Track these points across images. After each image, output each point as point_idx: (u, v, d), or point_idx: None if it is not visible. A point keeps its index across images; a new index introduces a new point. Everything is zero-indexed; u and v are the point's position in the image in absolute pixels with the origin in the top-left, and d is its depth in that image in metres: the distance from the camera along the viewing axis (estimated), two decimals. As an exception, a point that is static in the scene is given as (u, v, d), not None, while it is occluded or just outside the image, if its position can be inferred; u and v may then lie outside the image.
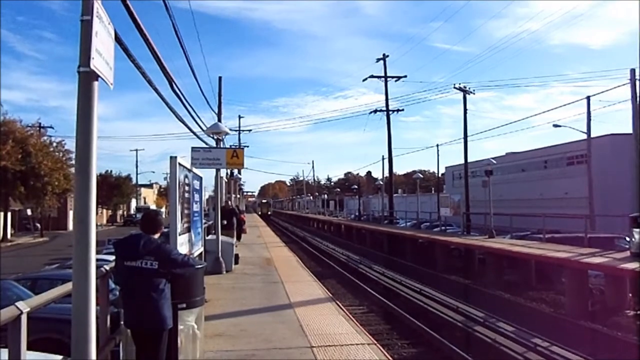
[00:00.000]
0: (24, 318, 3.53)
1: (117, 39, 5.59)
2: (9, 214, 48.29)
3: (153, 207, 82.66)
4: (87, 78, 3.37)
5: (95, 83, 3.42)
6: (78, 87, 3.38)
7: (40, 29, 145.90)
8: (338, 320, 8.91)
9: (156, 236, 5.39)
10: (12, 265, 22.24)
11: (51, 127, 61.38)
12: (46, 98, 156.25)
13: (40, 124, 52.58)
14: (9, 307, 3.52)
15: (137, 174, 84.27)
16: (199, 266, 6.18)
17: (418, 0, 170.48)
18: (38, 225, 53.09)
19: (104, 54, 3.44)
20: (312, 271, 17.53)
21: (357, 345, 7.26)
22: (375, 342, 7.65)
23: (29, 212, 53.96)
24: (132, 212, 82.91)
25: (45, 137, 49.92)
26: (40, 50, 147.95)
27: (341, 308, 10.06)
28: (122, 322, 5.65)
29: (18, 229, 54.32)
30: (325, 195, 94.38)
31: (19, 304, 3.63)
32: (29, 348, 3.75)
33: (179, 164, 8.75)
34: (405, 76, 43.26)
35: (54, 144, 49.27)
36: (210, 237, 15.54)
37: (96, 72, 3.33)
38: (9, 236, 46.58)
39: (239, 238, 22.56)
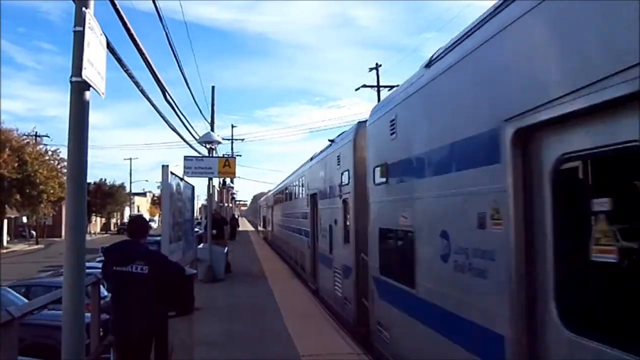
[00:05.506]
0: (16, 323, 3.58)
1: (111, 49, 5.70)
2: (5, 222, 48.17)
3: (146, 215, 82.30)
4: (79, 87, 3.45)
5: (87, 92, 3.50)
6: (70, 96, 3.45)
7: (39, 40, 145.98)
8: (328, 329, 8.93)
9: (143, 240, 5.41)
10: (8, 272, 22.11)
11: (47, 135, 61.96)
12: (45, 107, 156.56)
13: (36, 132, 52.63)
14: (1, 312, 3.57)
15: (130, 182, 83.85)
16: (190, 273, 6.22)
17: (411, 10, 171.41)
18: (33, 232, 53.07)
19: (95, 64, 3.51)
20: (304, 282, 17.46)
21: (347, 355, 7.27)
22: (365, 351, 7.67)
23: (24, 219, 53.77)
24: (125, 220, 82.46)
25: (40, 146, 49.94)
26: (39, 60, 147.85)
27: (332, 318, 10.07)
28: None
29: (14, 237, 54.14)
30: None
31: (11, 309, 3.69)
32: (21, 353, 3.80)
33: (171, 172, 8.80)
34: (398, 86, 43.09)
35: (50, 153, 49.29)
36: (202, 245, 15.53)
37: (88, 82, 3.41)
38: (5, 243, 46.40)
39: (233, 238, 22.74)
